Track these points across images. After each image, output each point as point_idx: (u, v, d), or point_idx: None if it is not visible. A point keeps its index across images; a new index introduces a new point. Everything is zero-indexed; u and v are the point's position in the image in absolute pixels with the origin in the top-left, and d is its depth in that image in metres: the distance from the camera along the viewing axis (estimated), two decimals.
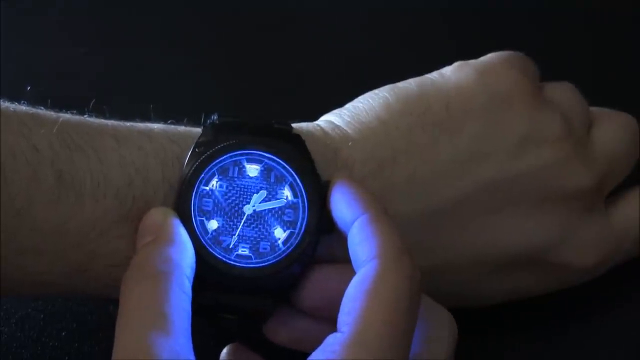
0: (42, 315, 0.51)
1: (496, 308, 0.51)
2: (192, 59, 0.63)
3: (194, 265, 0.42)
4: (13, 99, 0.45)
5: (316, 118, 0.50)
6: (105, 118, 0.46)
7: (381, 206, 0.43)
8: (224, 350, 0.47)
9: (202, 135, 0.45)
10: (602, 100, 0.53)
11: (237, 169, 0.44)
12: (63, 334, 0.51)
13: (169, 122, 0.47)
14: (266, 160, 0.45)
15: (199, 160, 0.44)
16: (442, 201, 0.48)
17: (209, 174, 0.44)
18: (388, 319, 0.40)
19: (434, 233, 0.48)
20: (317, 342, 0.41)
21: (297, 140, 0.46)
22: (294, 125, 0.47)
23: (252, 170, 0.45)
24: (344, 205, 0.44)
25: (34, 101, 0.45)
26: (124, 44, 0.63)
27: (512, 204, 0.49)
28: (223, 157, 0.44)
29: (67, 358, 0.50)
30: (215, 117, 0.46)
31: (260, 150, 0.45)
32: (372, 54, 0.63)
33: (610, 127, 0.52)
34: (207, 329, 0.48)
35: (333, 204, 0.44)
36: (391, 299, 0.40)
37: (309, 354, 0.40)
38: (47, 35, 0.63)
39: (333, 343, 0.40)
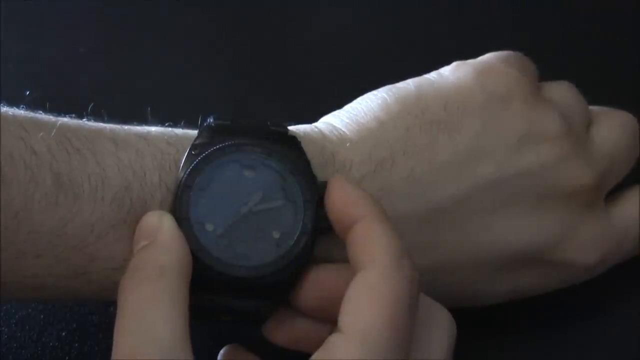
0: (42, 316, 0.51)
1: (496, 308, 0.51)
2: (192, 59, 0.63)
3: (190, 267, 0.42)
4: (12, 99, 0.45)
5: (316, 119, 0.50)
6: (104, 119, 0.46)
7: (379, 207, 0.44)
8: (222, 351, 0.47)
9: (198, 137, 0.45)
10: (601, 100, 0.53)
11: (233, 170, 0.44)
12: (63, 334, 0.51)
13: (166, 124, 0.47)
14: (262, 162, 0.45)
15: (195, 163, 0.44)
16: (441, 201, 0.48)
17: (205, 176, 0.44)
18: (389, 320, 0.40)
19: (434, 233, 0.48)
20: (316, 343, 0.41)
21: (293, 142, 0.46)
22: (292, 127, 0.48)
23: (249, 171, 0.45)
24: (341, 206, 0.44)
25: (33, 102, 0.45)
26: (124, 44, 0.63)
27: (512, 202, 0.49)
28: (219, 159, 0.44)
29: (67, 358, 0.50)
30: (211, 120, 0.46)
31: (256, 152, 0.45)
32: (372, 55, 0.63)
33: (610, 125, 0.52)
34: (205, 328, 0.49)
35: (330, 205, 0.44)
36: (392, 300, 0.40)
37: (308, 355, 0.40)
38: (47, 35, 0.63)
39: (335, 343, 0.40)
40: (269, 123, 0.46)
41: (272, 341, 0.46)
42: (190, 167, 0.44)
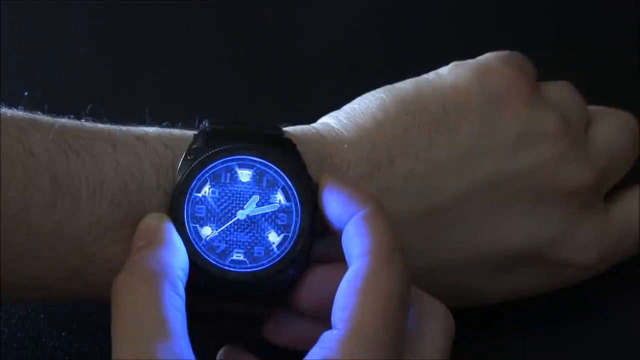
0: (42, 316, 0.51)
1: (496, 308, 0.51)
2: (192, 59, 0.63)
3: (186, 268, 0.42)
4: (12, 99, 0.45)
5: (315, 119, 0.50)
6: (103, 120, 0.46)
7: (375, 202, 0.43)
8: (220, 352, 0.47)
9: (193, 142, 0.45)
10: (601, 100, 0.53)
11: (229, 175, 0.44)
12: (63, 334, 0.51)
13: (163, 124, 0.47)
14: (258, 165, 0.45)
15: (191, 168, 0.44)
16: (440, 200, 0.48)
17: (201, 180, 0.44)
18: (382, 315, 0.40)
19: (433, 232, 0.48)
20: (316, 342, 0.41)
21: (288, 145, 0.46)
22: (289, 127, 0.48)
23: (244, 175, 0.45)
24: (335, 205, 0.44)
25: (32, 102, 0.45)
26: (124, 44, 0.63)
27: (511, 202, 0.49)
28: (214, 164, 0.44)
29: (67, 358, 0.50)
30: (206, 124, 0.46)
31: (251, 156, 0.45)
32: (372, 55, 0.63)
33: (609, 124, 0.52)
34: (205, 329, 0.49)
35: (325, 205, 0.44)
36: (385, 296, 0.40)
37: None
38: (47, 35, 0.63)
39: (330, 340, 0.40)
40: (263, 126, 0.46)
41: (273, 342, 0.46)
42: (187, 172, 0.44)
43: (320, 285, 0.45)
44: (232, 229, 0.44)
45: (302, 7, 0.66)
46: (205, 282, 0.43)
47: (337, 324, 0.40)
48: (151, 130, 0.46)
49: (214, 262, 0.43)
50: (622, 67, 0.62)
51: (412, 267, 0.42)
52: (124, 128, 0.46)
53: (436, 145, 0.48)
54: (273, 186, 0.45)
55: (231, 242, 0.44)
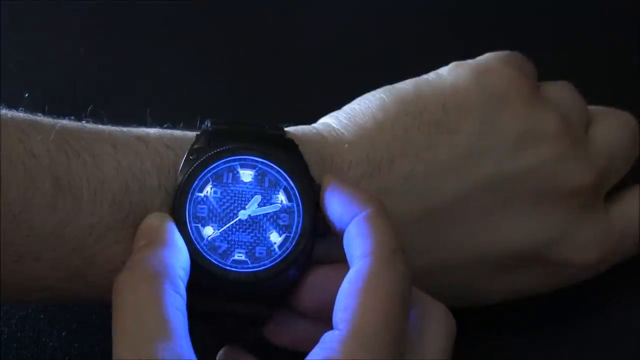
0: (42, 316, 0.51)
1: (497, 308, 0.51)
2: (192, 59, 0.63)
3: (188, 268, 0.42)
4: (12, 99, 0.45)
5: (317, 119, 0.50)
6: (103, 121, 0.46)
7: (377, 203, 0.43)
8: (220, 352, 0.47)
9: (195, 142, 0.45)
10: (601, 100, 0.53)
11: (231, 174, 0.45)
12: (63, 334, 0.51)
13: (164, 125, 0.47)
14: (260, 165, 0.45)
15: (193, 167, 0.44)
16: (440, 200, 0.48)
17: (203, 180, 0.44)
18: (384, 316, 0.40)
19: (434, 232, 0.48)
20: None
21: (290, 145, 0.46)
22: (291, 128, 0.48)
23: (246, 175, 0.45)
24: (337, 205, 0.44)
25: (33, 103, 0.45)
26: (124, 44, 0.63)
27: (511, 202, 0.49)
28: (216, 164, 0.44)
29: (67, 358, 0.50)
30: (208, 124, 0.46)
31: (253, 156, 0.45)
32: (372, 55, 0.63)
33: (609, 124, 0.52)
34: (205, 329, 0.49)
35: (327, 205, 0.44)
36: (386, 296, 0.41)
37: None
38: (47, 36, 0.63)
39: (331, 340, 0.40)
40: (266, 126, 0.46)
41: (274, 342, 0.46)
42: (188, 172, 0.44)
43: (321, 285, 0.45)
44: (234, 229, 0.44)
45: (302, 7, 0.66)
46: (206, 282, 0.43)
47: (338, 325, 0.40)
48: (152, 131, 0.46)
49: (216, 262, 0.43)
50: (622, 67, 0.62)
51: (412, 268, 0.42)
52: (124, 129, 0.46)
53: (436, 146, 0.48)
54: (275, 186, 0.45)
55: (233, 242, 0.44)
